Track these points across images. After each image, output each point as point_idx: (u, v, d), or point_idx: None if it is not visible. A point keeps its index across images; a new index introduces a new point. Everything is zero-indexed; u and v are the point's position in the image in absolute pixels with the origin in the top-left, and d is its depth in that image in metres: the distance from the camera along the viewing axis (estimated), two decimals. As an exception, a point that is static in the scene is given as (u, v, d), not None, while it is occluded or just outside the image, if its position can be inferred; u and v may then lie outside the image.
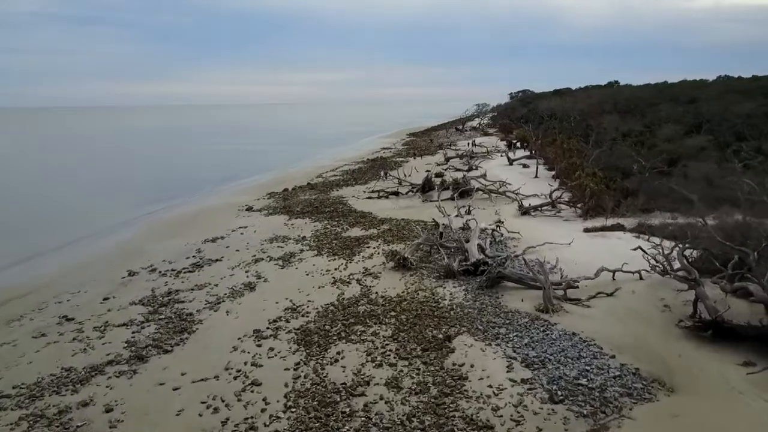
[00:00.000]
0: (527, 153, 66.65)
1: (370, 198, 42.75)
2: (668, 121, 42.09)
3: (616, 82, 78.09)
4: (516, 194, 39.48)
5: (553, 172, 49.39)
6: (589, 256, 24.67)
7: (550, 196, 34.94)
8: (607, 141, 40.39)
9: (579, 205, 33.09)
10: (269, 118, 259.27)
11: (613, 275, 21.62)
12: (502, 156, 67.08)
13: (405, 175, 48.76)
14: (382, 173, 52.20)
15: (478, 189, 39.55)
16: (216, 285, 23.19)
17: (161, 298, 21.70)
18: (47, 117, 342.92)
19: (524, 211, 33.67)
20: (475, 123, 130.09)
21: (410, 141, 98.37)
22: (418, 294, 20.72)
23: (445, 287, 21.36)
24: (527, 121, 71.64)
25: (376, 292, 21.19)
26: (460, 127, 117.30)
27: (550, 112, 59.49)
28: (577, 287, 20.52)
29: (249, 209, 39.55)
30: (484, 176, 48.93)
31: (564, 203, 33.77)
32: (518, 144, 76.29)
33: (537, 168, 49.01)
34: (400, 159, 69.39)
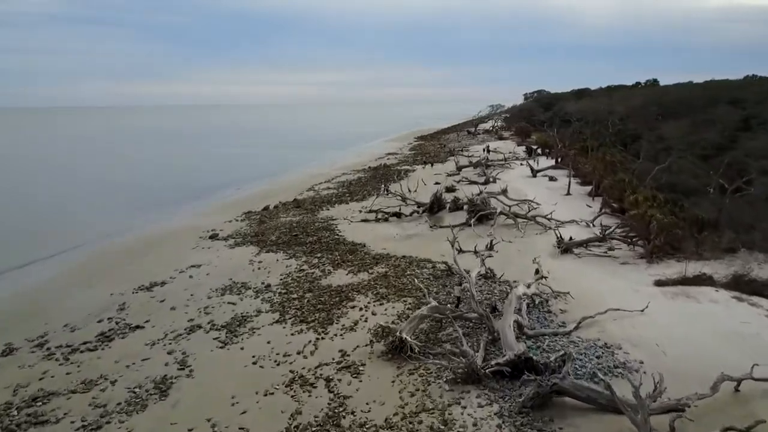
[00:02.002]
0: (551, 161, 58.43)
1: (366, 221, 34.68)
2: (750, 129, 33.62)
3: (655, 80, 69.11)
4: (548, 219, 31.30)
5: (590, 188, 41.10)
6: (680, 335, 16.45)
7: (601, 230, 26.62)
8: (673, 153, 32.05)
9: (639, 242, 24.82)
10: (270, 119, 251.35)
11: (738, 385, 13.43)
12: (522, 165, 58.66)
13: (410, 191, 40.64)
14: (382, 187, 44.09)
15: (501, 213, 31.30)
16: (114, 381, 15.22)
17: (15, 414, 13.76)
18: (46, 117, 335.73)
19: (565, 248, 25.39)
20: (488, 125, 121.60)
21: (418, 145, 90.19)
22: (419, 420, 12.61)
23: (464, 404, 13.23)
24: (551, 124, 63.23)
25: (353, 411, 13.12)
26: (473, 130, 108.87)
27: (581, 115, 51.19)
28: (684, 411, 12.33)
29: (213, 237, 31.63)
30: (505, 192, 40.74)
31: (620, 239, 25.40)
32: (539, 150, 68.02)
33: (569, 183, 40.57)
34: (406, 167, 61.24)
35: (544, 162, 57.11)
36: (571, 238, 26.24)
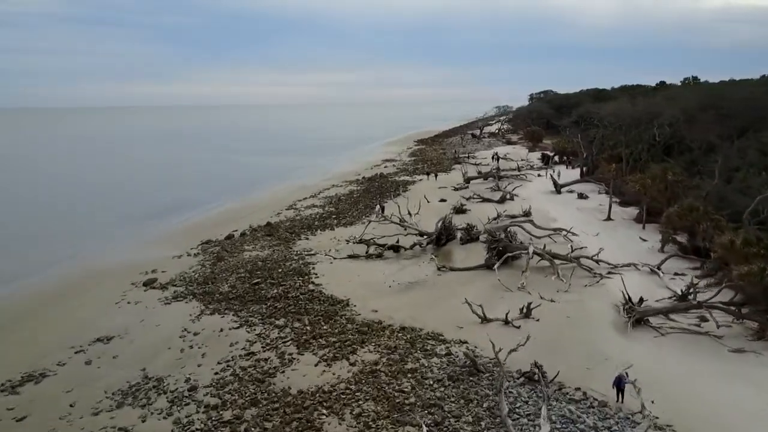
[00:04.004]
0: (572, 171, 50.27)
1: (353, 257, 26.71)
2: None
3: (695, 78, 60.57)
4: (596, 261, 23.35)
5: (633, 209, 33.13)
6: None
7: (686, 288, 18.66)
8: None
9: (746, 311, 16.82)
10: (268, 121, 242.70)
11: None
12: (540, 176, 50.78)
13: (410, 214, 32.69)
14: (377, 208, 36.14)
15: (535, 253, 23.21)
16: None
17: None
18: (44, 118, 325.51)
19: (639, 318, 17.39)
20: (493, 128, 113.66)
21: (418, 150, 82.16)
22: None
23: None
24: (578, 128, 55.27)
25: None
26: (478, 133, 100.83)
27: (611, 119, 43.17)
28: None
29: (149, 283, 23.65)
30: (528, 216, 32.83)
31: (724, 309, 17.29)
32: (556, 158, 60.04)
33: (610, 206, 32.51)
34: (405, 178, 53.29)
35: (566, 173, 49.09)
36: (642, 300, 18.24)
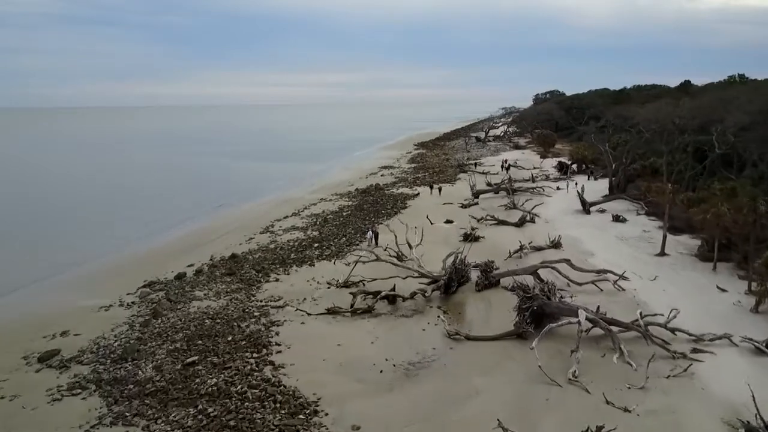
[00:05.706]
0: (595, 181, 43.30)
1: (334, 313, 19.94)
2: None
3: (742, 76, 53.81)
4: (671, 330, 16.59)
5: (689, 238, 26.38)
6: None
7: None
8: None
9: None
10: (269, 122, 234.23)
11: None
12: (559, 189, 43.99)
13: (410, 245, 25.86)
14: (369, 234, 29.38)
15: (589, 320, 16.33)
16: None
17: None
18: (46, 118, 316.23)
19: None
20: (499, 131, 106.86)
21: (419, 155, 75.43)
22: None
23: None
24: (609, 135, 48.56)
25: None
26: (482, 136, 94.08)
27: (653, 124, 36.41)
28: None
29: (47, 358, 16.97)
30: (557, 246, 26.29)
31: None
32: (574, 167, 53.26)
33: (664, 238, 25.57)
34: (405, 190, 46.57)
35: (589, 186, 42.06)
36: (760, 418, 11.50)
